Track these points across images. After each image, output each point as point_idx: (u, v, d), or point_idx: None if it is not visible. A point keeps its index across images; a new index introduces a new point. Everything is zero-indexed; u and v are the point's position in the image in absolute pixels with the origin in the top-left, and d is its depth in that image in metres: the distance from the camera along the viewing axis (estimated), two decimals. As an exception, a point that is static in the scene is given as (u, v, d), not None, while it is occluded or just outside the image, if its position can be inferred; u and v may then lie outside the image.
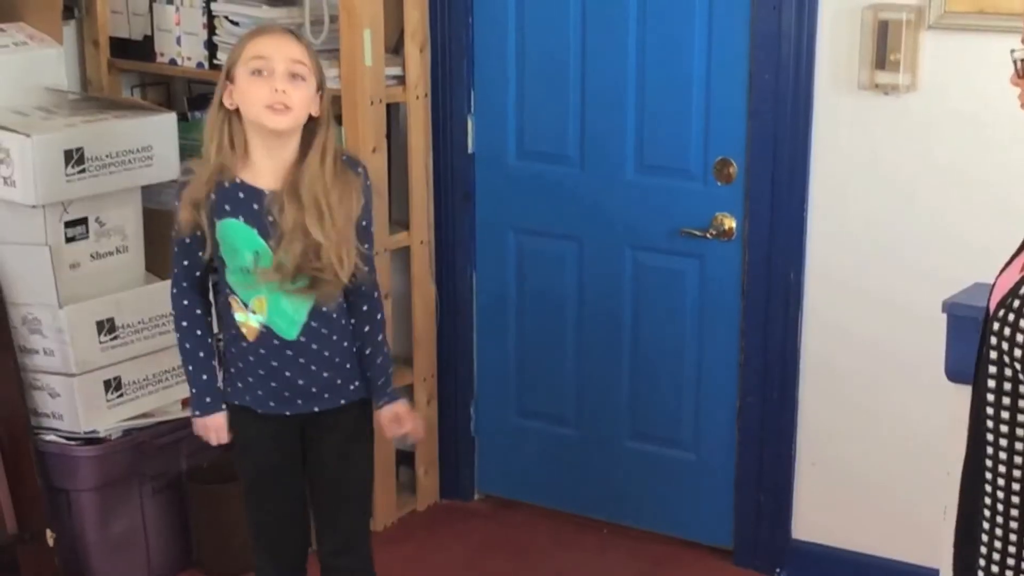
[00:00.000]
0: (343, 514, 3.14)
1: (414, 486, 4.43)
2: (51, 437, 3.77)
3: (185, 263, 3.03)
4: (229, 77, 2.90)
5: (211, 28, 4.16)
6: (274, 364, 3.00)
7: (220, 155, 2.92)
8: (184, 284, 3.06)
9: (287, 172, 2.92)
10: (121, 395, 3.82)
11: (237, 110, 2.90)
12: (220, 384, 3.09)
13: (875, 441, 3.81)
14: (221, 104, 2.91)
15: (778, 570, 4.01)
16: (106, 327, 3.78)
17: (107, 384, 3.79)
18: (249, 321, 2.98)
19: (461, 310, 4.37)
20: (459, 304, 4.36)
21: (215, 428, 3.10)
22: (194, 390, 3.11)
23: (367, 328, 3.06)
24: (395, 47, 4.15)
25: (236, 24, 4.07)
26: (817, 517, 3.95)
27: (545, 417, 4.34)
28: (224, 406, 3.09)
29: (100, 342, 3.76)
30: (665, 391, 4.11)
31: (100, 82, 4.39)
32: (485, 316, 4.37)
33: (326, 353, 3.01)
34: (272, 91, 2.84)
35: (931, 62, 3.51)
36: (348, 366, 3.05)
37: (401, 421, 3.12)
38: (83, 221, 3.76)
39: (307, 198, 2.87)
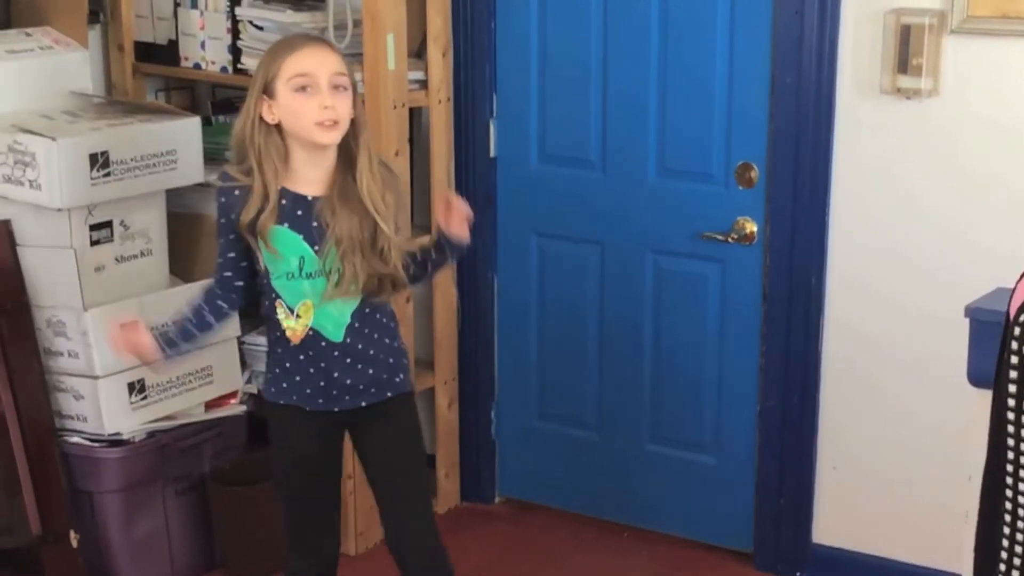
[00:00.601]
0: (404, 488, 3.16)
1: (435, 489, 4.43)
2: (75, 439, 3.80)
3: (227, 274, 3.07)
4: (268, 92, 2.91)
5: (235, 32, 4.17)
6: (322, 365, 3.03)
7: (264, 170, 2.93)
8: (218, 291, 3.10)
9: (330, 178, 2.95)
10: (145, 397, 3.84)
11: (277, 124, 2.92)
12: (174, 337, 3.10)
13: (896, 445, 3.80)
14: (260, 119, 2.92)
15: (799, 574, 4.00)
16: (130, 330, 3.79)
17: (131, 386, 3.81)
18: (295, 326, 3.01)
19: (482, 313, 4.38)
20: (480, 307, 4.37)
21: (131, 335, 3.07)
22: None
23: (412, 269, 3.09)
24: (418, 51, 4.17)
25: (260, 29, 4.09)
26: (838, 521, 3.95)
27: (566, 420, 4.35)
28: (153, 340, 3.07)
29: (124, 345, 3.78)
30: (686, 395, 4.11)
31: (125, 86, 4.41)
32: (506, 319, 4.38)
33: (371, 351, 3.04)
34: (320, 108, 2.86)
35: (953, 67, 3.50)
36: (392, 361, 3.08)
37: (450, 204, 3.02)
38: (108, 224, 3.78)
39: (369, 203, 2.92)
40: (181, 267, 4.04)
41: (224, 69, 4.24)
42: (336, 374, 3.03)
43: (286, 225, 2.95)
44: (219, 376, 4.03)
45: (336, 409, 3.07)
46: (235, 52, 4.19)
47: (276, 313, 3.02)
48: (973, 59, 3.48)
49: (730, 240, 3.90)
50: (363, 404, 3.07)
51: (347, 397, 3.06)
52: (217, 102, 4.61)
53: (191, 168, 3.93)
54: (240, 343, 4.13)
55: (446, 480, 4.46)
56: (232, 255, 3.04)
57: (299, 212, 2.95)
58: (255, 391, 4.18)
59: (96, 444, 3.79)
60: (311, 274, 2.97)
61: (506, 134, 4.23)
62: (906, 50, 3.50)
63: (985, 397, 2.09)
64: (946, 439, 3.67)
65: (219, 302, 3.09)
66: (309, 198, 2.95)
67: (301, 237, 2.95)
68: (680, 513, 4.20)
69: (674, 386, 4.12)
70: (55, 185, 3.62)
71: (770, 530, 4.02)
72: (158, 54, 4.39)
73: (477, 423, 4.47)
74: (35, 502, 3.74)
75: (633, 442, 4.23)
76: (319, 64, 2.89)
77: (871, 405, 3.82)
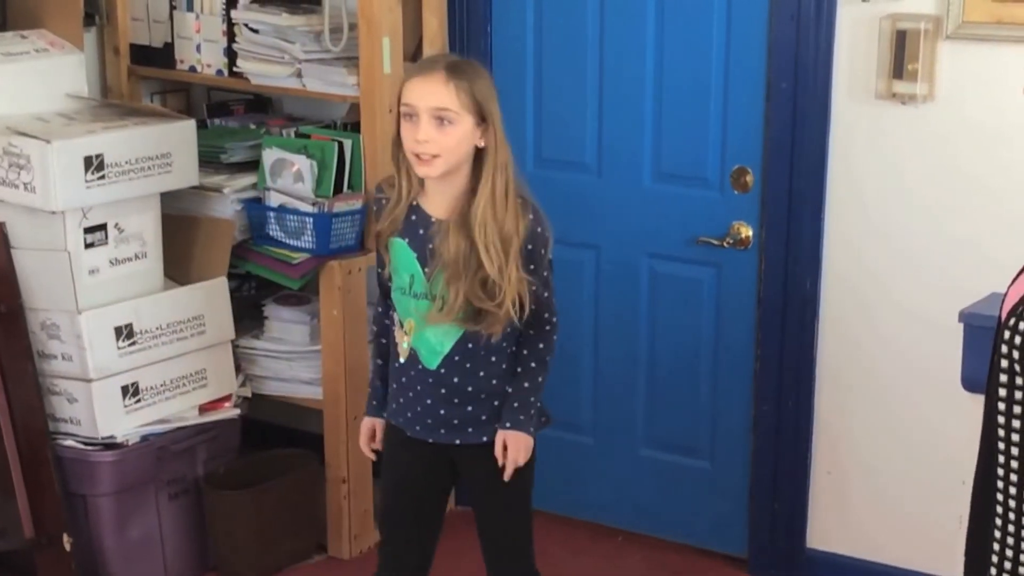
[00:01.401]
0: (502, 542, 3.12)
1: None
2: (69, 442, 3.79)
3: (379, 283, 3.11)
4: (396, 113, 2.91)
5: (231, 35, 4.17)
6: (418, 389, 2.99)
7: (401, 183, 2.93)
8: (379, 308, 3.14)
9: (457, 202, 2.90)
10: (139, 400, 3.84)
11: None
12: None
13: (891, 450, 3.80)
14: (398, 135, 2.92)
15: (793, 579, 4.01)
16: (124, 333, 3.79)
17: (125, 389, 3.81)
18: (401, 341, 3.00)
19: (478, 317, 4.37)
20: (476, 311, 4.36)
21: (365, 430, 3.15)
22: (369, 390, 3.20)
23: (525, 351, 3.02)
24: (414, 55, 4.16)
25: (256, 32, 4.09)
26: (832, 526, 3.95)
27: (561, 425, 4.31)
28: (384, 414, 3.11)
29: (118, 348, 3.78)
30: (681, 399, 4.11)
31: (120, 89, 4.41)
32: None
33: (469, 388, 2.97)
34: (414, 140, 2.82)
35: (949, 72, 3.51)
36: (495, 403, 3.00)
37: (516, 447, 2.99)
38: (102, 227, 3.78)
39: (479, 233, 2.85)
40: (176, 270, 4.04)
41: (220, 72, 4.24)
42: (429, 402, 2.98)
43: (406, 240, 2.93)
44: (213, 379, 4.03)
45: (430, 440, 3.02)
46: (231, 55, 4.19)
47: (393, 324, 3.02)
48: (968, 64, 3.48)
49: (725, 244, 3.90)
50: (457, 443, 3.01)
51: (442, 431, 3.00)
52: (212, 105, 4.60)
53: (186, 171, 3.93)
54: (235, 346, 4.13)
55: (441, 484, 4.45)
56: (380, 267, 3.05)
57: (421, 231, 2.92)
58: (249, 394, 4.19)
59: (90, 447, 3.78)
60: (417, 295, 2.93)
61: (502, 138, 4.22)
62: (901, 55, 3.51)
63: (979, 402, 2.09)
64: (940, 444, 3.67)
65: (384, 320, 3.10)
66: (432, 219, 2.91)
67: (415, 256, 2.92)
68: (674, 517, 4.20)
69: (669, 390, 4.12)
70: (50, 188, 3.61)
71: (764, 535, 4.02)
72: (154, 57, 4.39)
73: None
74: (28, 505, 3.73)
75: (628, 446, 4.22)
76: (421, 96, 2.82)
77: (866, 410, 3.82)
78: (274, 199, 4.08)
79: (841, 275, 3.78)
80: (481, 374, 2.97)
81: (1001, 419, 1.90)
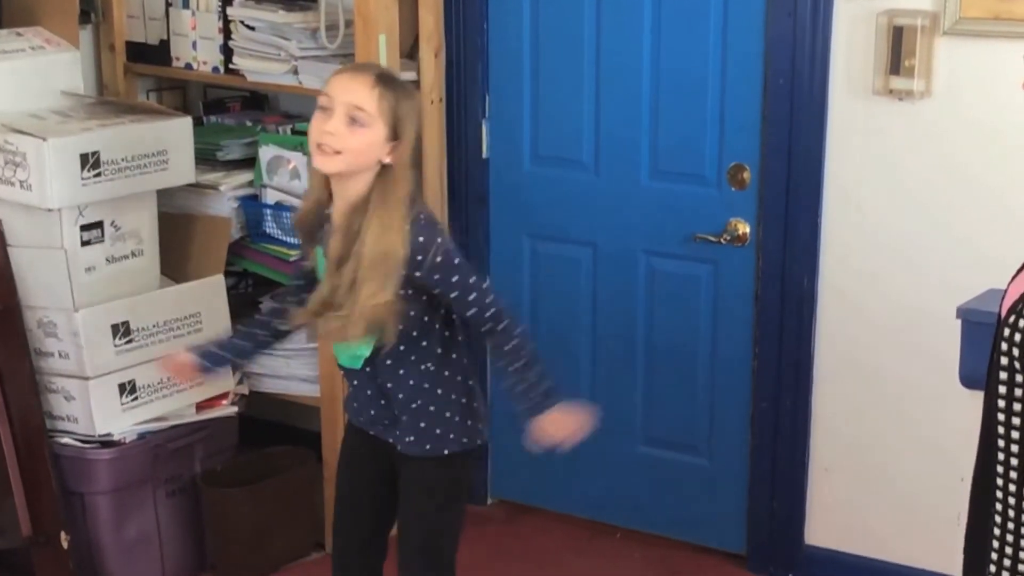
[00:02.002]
0: (404, 560, 3.08)
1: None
2: (66, 440, 3.79)
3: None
4: None
5: (227, 33, 4.17)
6: (355, 383, 3.02)
7: (313, 186, 2.93)
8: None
9: (349, 207, 2.84)
10: (136, 398, 3.84)
11: None
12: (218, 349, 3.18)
13: (889, 447, 3.80)
14: None
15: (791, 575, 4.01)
16: (121, 330, 3.79)
17: (122, 387, 3.80)
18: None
19: (475, 315, 4.36)
20: (473, 309, 4.36)
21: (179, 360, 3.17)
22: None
23: (502, 362, 2.98)
24: (410, 52, 4.16)
25: (252, 29, 4.08)
26: (831, 523, 3.95)
27: (559, 422, 4.34)
28: (210, 363, 3.16)
29: (115, 345, 3.78)
30: (679, 396, 4.10)
31: (116, 86, 4.41)
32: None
33: (400, 395, 2.94)
34: (322, 131, 2.77)
35: (946, 68, 3.50)
36: (416, 407, 2.94)
37: (559, 425, 2.99)
38: (99, 225, 3.77)
39: (344, 225, 2.82)
40: (172, 268, 4.03)
41: (216, 69, 4.23)
42: (368, 392, 2.99)
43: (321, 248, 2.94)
44: (210, 377, 4.02)
45: (371, 432, 3.04)
46: (227, 52, 4.18)
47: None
48: (965, 60, 3.48)
49: (723, 241, 3.90)
50: (393, 443, 3.00)
51: (380, 426, 3.01)
52: (208, 102, 4.60)
53: (182, 168, 3.93)
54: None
55: (438, 482, 4.44)
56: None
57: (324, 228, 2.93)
58: (246, 392, 4.18)
59: (87, 445, 3.78)
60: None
61: (499, 135, 4.22)
62: (899, 51, 3.50)
63: (977, 398, 2.09)
64: (939, 441, 3.67)
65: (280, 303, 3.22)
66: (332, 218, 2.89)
67: (324, 260, 2.91)
68: (673, 515, 4.19)
69: (667, 388, 4.12)
70: (46, 185, 3.61)
71: (763, 532, 4.02)
72: (149, 54, 4.38)
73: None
74: (26, 503, 3.73)
75: (626, 444, 4.22)
76: (343, 90, 2.78)
77: (863, 407, 3.82)
78: (271, 196, 4.08)
79: (838, 271, 3.78)
80: (411, 382, 2.94)
81: (1001, 416, 1.90)
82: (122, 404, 3.81)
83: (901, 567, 3.84)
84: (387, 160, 2.80)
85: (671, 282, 4.04)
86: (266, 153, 4.09)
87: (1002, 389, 1.89)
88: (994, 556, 1.94)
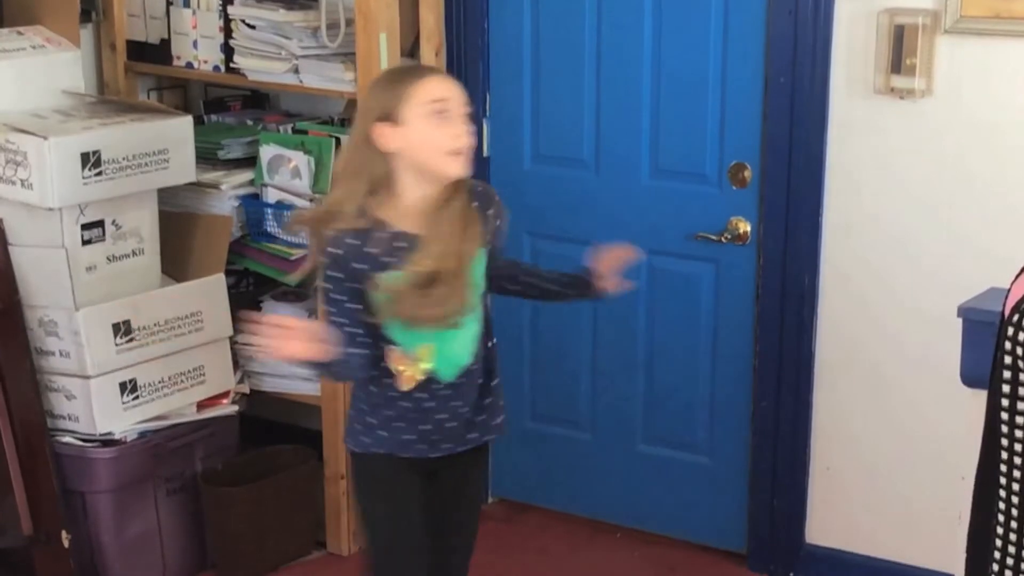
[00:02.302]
0: (458, 547, 3.06)
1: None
2: (67, 439, 3.79)
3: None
4: (391, 119, 2.72)
5: (228, 31, 4.17)
6: (444, 395, 2.90)
7: (368, 196, 2.77)
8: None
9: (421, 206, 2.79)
10: (137, 397, 3.84)
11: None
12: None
13: (889, 445, 3.80)
14: (367, 143, 2.75)
15: (792, 574, 4.00)
16: (122, 329, 3.79)
17: (123, 386, 3.80)
18: (406, 371, 2.86)
19: (476, 313, 4.36)
20: (474, 307, 4.36)
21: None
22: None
23: (532, 271, 3.08)
24: (411, 50, 4.16)
25: (252, 27, 4.08)
26: (831, 521, 3.95)
27: (559, 421, 4.34)
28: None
29: (116, 344, 3.78)
30: (679, 395, 4.10)
31: (117, 85, 4.40)
32: (499, 320, 4.34)
33: (494, 378, 2.98)
34: (458, 136, 2.72)
35: (947, 67, 3.50)
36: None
37: (616, 257, 2.99)
38: (99, 224, 3.77)
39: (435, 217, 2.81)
40: (173, 267, 4.03)
41: (216, 68, 4.23)
42: (464, 398, 2.92)
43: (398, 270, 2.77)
44: (211, 376, 4.02)
45: (433, 455, 2.93)
46: (227, 51, 4.18)
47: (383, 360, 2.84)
48: (966, 59, 3.48)
49: (723, 240, 3.90)
50: (468, 444, 2.96)
51: (461, 436, 2.95)
52: (209, 101, 4.60)
53: (183, 167, 3.93)
54: (232, 343, 4.12)
55: (439, 480, 4.44)
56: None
57: (407, 251, 2.76)
58: (247, 391, 4.18)
59: (88, 444, 3.78)
60: None
61: (499, 134, 4.22)
62: (899, 50, 3.50)
63: (978, 397, 2.09)
64: (940, 439, 3.67)
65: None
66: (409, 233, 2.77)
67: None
68: (673, 513, 4.19)
69: (667, 386, 4.12)
70: (47, 184, 3.61)
71: (763, 530, 4.02)
72: (150, 53, 4.38)
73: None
74: (26, 502, 3.73)
75: (626, 442, 4.22)
76: (456, 92, 2.76)
77: (864, 405, 3.82)
78: (271, 195, 4.08)
79: (839, 270, 3.78)
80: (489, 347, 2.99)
81: (1005, 416, 1.89)
82: (123, 403, 3.81)
83: (901, 566, 3.84)
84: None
85: (672, 281, 4.04)
86: (267, 152, 4.09)
87: (1006, 388, 1.89)
88: (997, 555, 1.94)
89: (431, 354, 2.84)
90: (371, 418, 2.90)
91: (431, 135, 2.72)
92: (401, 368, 2.84)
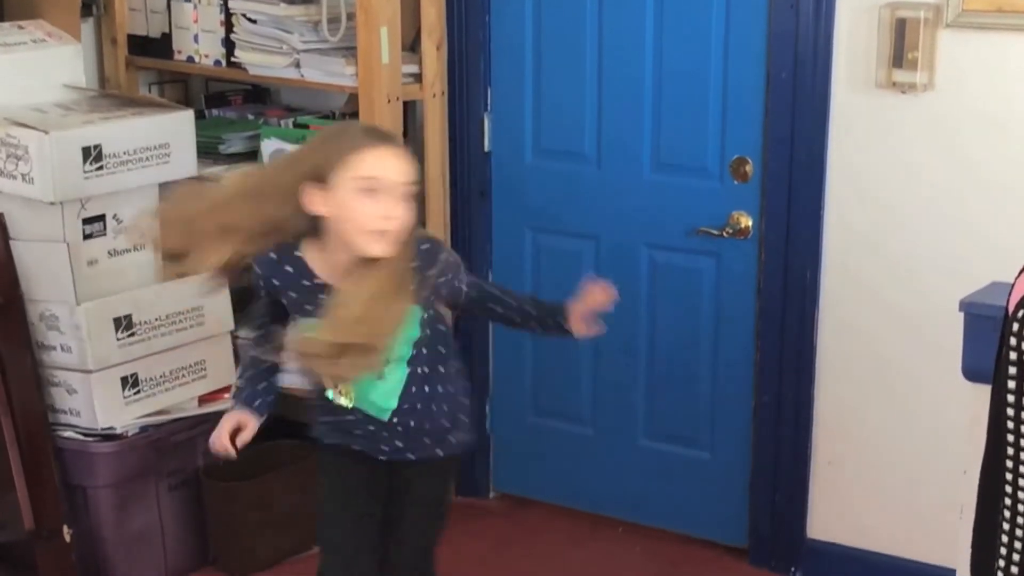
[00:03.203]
0: (401, 547, 3.09)
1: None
2: (68, 434, 3.79)
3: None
4: (321, 179, 2.64)
5: (229, 26, 4.17)
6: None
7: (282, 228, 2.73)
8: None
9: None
10: (138, 392, 3.84)
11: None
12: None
13: (891, 440, 3.80)
14: (292, 194, 2.67)
15: (793, 569, 4.00)
16: (123, 324, 3.79)
17: (124, 381, 3.80)
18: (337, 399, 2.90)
19: (477, 308, 4.36)
20: (475, 302, 4.36)
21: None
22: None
23: (508, 302, 3.00)
24: (412, 45, 4.16)
25: (254, 22, 4.08)
26: (833, 516, 3.95)
27: (561, 415, 4.34)
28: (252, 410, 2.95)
29: (117, 339, 3.77)
30: (681, 390, 4.10)
31: (118, 79, 4.40)
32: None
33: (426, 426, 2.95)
34: (384, 218, 2.63)
35: (949, 61, 3.50)
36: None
37: (594, 301, 2.94)
38: (101, 218, 3.77)
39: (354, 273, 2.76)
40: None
41: (218, 63, 4.23)
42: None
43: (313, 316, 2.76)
44: (212, 370, 4.02)
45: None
46: (228, 46, 4.18)
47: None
48: (968, 53, 3.47)
49: (725, 234, 3.90)
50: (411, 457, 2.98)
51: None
52: (210, 96, 4.60)
53: (184, 162, 3.92)
54: (234, 337, 4.12)
55: (440, 475, 4.44)
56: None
57: (319, 295, 2.75)
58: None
59: (89, 439, 3.78)
60: None
61: (501, 128, 4.22)
62: (901, 44, 3.50)
63: (980, 391, 2.09)
64: (941, 434, 3.67)
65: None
66: (319, 279, 2.76)
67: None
68: (675, 508, 4.19)
69: (669, 381, 4.12)
70: (48, 178, 3.60)
71: (765, 525, 4.02)
72: (151, 47, 4.38)
73: (472, 418, 4.45)
74: (28, 497, 3.73)
75: (628, 437, 4.22)
76: (395, 171, 2.65)
77: (866, 400, 3.82)
78: (273, 190, 4.07)
79: (841, 265, 3.78)
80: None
81: (1010, 411, 1.89)
82: (124, 397, 3.81)
83: (903, 561, 3.84)
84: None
85: (673, 275, 4.04)
86: (268, 146, 4.09)
87: (1011, 384, 1.88)
88: (1002, 551, 1.94)
89: (351, 393, 2.86)
90: (318, 411, 2.97)
91: (357, 211, 2.63)
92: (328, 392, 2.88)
